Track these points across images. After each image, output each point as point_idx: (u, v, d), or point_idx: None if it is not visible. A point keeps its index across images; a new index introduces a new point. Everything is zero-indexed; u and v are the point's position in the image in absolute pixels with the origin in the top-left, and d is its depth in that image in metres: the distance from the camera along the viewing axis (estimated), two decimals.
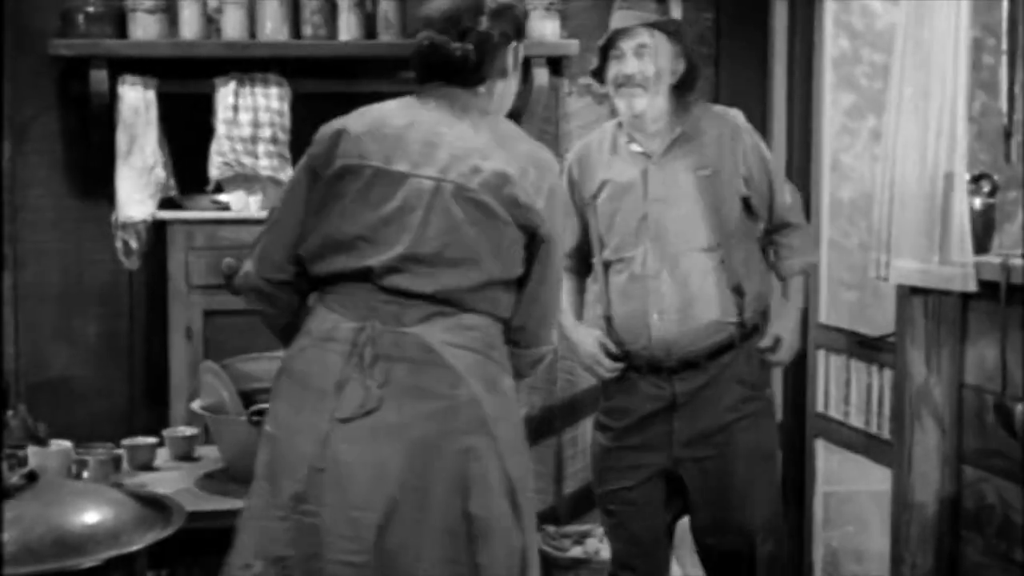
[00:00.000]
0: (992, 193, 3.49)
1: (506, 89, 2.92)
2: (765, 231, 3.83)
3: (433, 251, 2.71)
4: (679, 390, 3.66)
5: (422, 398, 2.68)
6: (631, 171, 3.69)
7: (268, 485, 2.72)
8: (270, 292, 2.86)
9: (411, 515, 2.64)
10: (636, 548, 3.78)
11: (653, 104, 3.65)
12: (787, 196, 3.83)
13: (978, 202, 3.47)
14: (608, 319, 3.72)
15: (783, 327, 3.79)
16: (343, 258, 2.75)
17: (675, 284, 3.63)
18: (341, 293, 2.77)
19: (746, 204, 3.73)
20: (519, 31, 2.92)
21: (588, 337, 3.74)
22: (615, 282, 3.70)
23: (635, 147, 3.72)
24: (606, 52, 3.70)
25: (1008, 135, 3.51)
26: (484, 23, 2.82)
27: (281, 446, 2.72)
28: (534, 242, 2.80)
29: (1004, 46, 3.48)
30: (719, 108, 3.87)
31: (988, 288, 3.35)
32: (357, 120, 2.82)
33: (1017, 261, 3.27)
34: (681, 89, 3.73)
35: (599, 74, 3.75)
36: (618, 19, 3.69)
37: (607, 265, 3.72)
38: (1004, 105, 3.49)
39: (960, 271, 3.38)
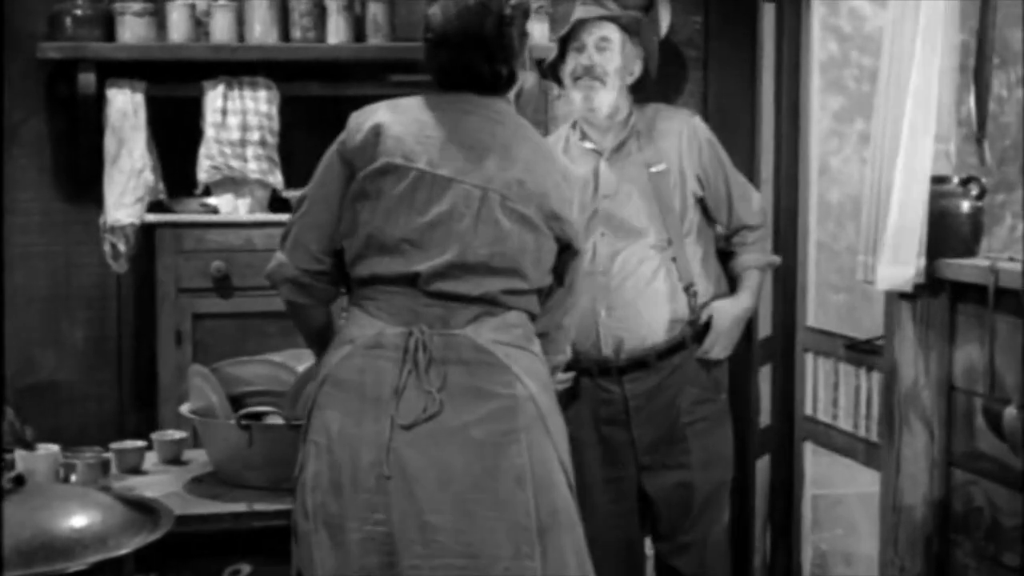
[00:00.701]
0: (980, 196, 3.50)
1: (526, 79, 2.94)
2: (724, 235, 3.83)
3: (480, 260, 2.73)
4: (630, 392, 3.65)
5: (480, 399, 2.70)
6: (582, 168, 3.69)
7: (333, 498, 2.71)
8: (307, 283, 2.85)
9: (483, 514, 2.66)
10: (609, 564, 3.67)
11: (609, 99, 3.67)
12: (751, 201, 3.82)
13: (966, 205, 3.47)
14: None
15: (720, 319, 3.71)
16: (387, 261, 2.74)
17: (623, 280, 3.62)
18: (381, 298, 2.76)
19: (702, 205, 3.74)
20: (528, 15, 2.92)
21: None
22: None
23: (587, 144, 3.73)
24: (565, 44, 3.71)
25: (979, 141, 3.51)
26: (507, 35, 2.80)
27: (343, 458, 2.71)
28: (566, 253, 2.84)
29: (973, 47, 3.49)
30: (673, 108, 3.90)
31: (976, 291, 3.36)
32: (394, 117, 2.79)
33: (1005, 264, 3.28)
34: (634, 91, 3.76)
35: (554, 69, 3.76)
36: (582, 10, 3.71)
37: None
38: (973, 111, 3.49)
39: (913, 270, 3.40)
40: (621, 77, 3.69)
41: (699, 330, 3.69)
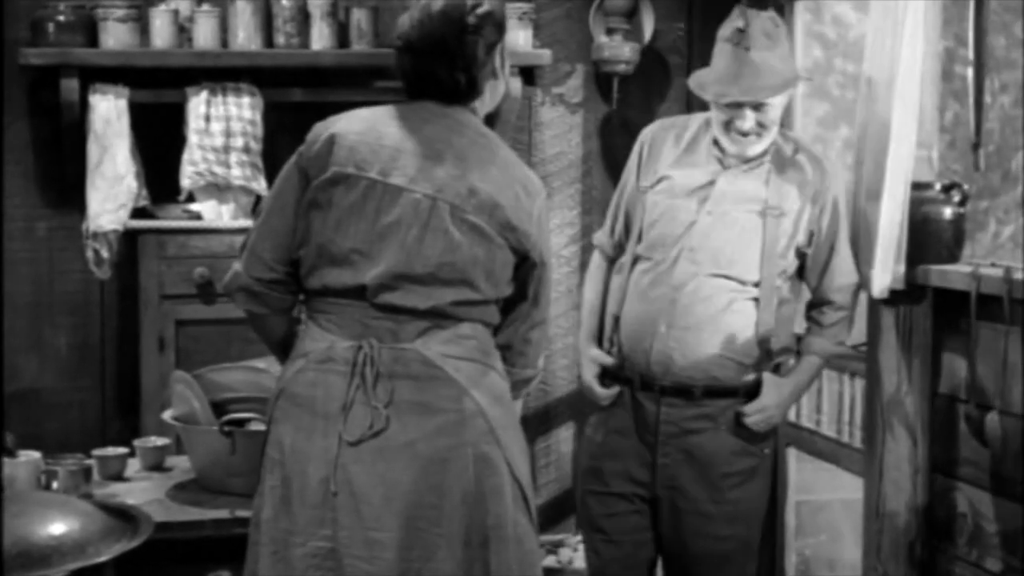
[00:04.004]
0: (963, 203, 3.50)
1: (496, 88, 2.88)
2: (808, 302, 3.51)
3: (427, 271, 2.70)
4: (664, 416, 3.37)
5: (428, 414, 2.69)
6: (699, 174, 3.38)
7: (282, 513, 2.71)
8: (260, 291, 2.83)
9: (428, 530, 2.66)
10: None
11: (764, 145, 3.35)
12: (846, 277, 3.46)
13: (948, 212, 3.47)
14: (616, 318, 3.44)
15: (770, 398, 3.39)
16: (336, 272, 2.73)
17: (693, 303, 3.32)
18: (333, 311, 2.75)
19: (802, 261, 3.43)
20: (502, 29, 2.84)
21: (589, 364, 3.48)
22: (637, 281, 3.41)
23: (716, 151, 3.39)
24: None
25: (976, 146, 3.52)
26: (469, 43, 2.76)
27: (293, 473, 2.70)
28: (525, 265, 2.80)
29: (971, 56, 3.49)
30: (818, 149, 3.55)
31: (959, 297, 3.36)
32: (351, 126, 2.77)
33: (987, 270, 3.28)
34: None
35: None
36: (731, 68, 3.30)
37: (635, 260, 3.43)
38: (972, 116, 3.49)
39: (892, 275, 3.41)
40: (776, 124, 3.35)
41: (754, 385, 3.39)
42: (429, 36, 2.76)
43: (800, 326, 3.52)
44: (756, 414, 3.37)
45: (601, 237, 3.61)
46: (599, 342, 3.51)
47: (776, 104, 3.32)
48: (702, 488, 3.38)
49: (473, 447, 2.68)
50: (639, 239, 3.43)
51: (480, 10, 2.76)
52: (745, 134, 3.31)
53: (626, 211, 3.50)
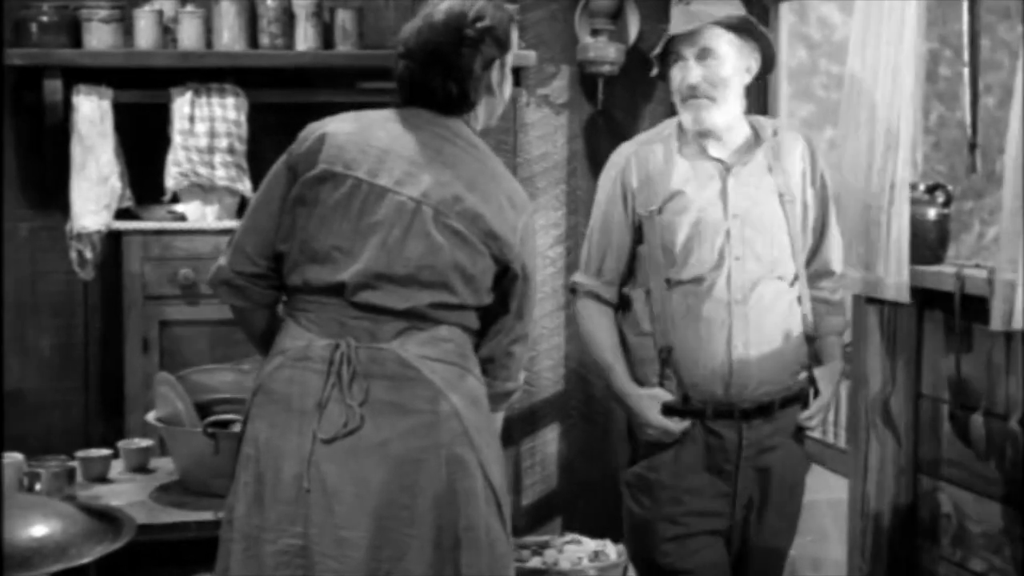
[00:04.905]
0: (947, 204, 3.51)
1: (492, 104, 2.88)
2: (808, 275, 3.33)
3: (407, 272, 2.71)
4: (747, 440, 3.18)
5: (402, 414, 2.68)
6: (706, 181, 3.22)
7: (255, 509, 2.70)
8: (242, 285, 2.83)
9: (399, 530, 2.65)
10: None
11: (723, 115, 3.21)
12: (839, 243, 3.38)
13: (933, 213, 3.48)
14: (668, 350, 3.19)
15: (827, 394, 3.30)
16: (316, 268, 2.74)
17: (763, 313, 3.16)
18: (312, 308, 2.76)
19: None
20: (503, 46, 2.82)
21: (649, 402, 3.21)
22: (683, 306, 3.18)
23: (712, 151, 3.24)
24: (665, 58, 3.26)
25: (973, 147, 3.52)
26: (465, 55, 2.76)
27: (266, 469, 2.70)
28: (507, 276, 2.80)
29: (966, 57, 3.49)
30: (786, 123, 3.41)
31: (943, 298, 3.37)
32: (343, 127, 2.79)
33: (971, 271, 3.29)
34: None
35: (664, 77, 3.30)
36: (675, 20, 3.21)
37: (670, 285, 3.20)
38: (967, 117, 3.50)
39: (895, 280, 3.40)
40: (735, 85, 3.21)
41: (808, 385, 3.28)
42: (426, 44, 2.78)
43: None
44: (818, 414, 3.29)
45: (585, 281, 3.36)
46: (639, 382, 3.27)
47: (722, 56, 3.18)
48: (779, 504, 3.28)
49: (447, 449, 2.68)
50: (669, 264, 3.20)
51: (481, 24, 2.78)
52: (694, 89, 3.17)
53: (617, 245, 3.29)
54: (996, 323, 3.02)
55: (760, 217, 3.19)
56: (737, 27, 3.20)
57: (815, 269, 3.32)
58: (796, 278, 3.22)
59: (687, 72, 3.19)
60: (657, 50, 3.25)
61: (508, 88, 2.90)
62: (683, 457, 3.22)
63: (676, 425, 3.19)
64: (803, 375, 3.26)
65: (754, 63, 3.25)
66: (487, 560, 2.71)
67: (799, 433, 3.30)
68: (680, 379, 3.19)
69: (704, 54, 3.18)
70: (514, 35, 2.88)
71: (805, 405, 3.28)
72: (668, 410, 3.20)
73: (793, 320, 3.21)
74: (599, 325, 3.32)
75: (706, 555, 3.25)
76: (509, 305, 2.83)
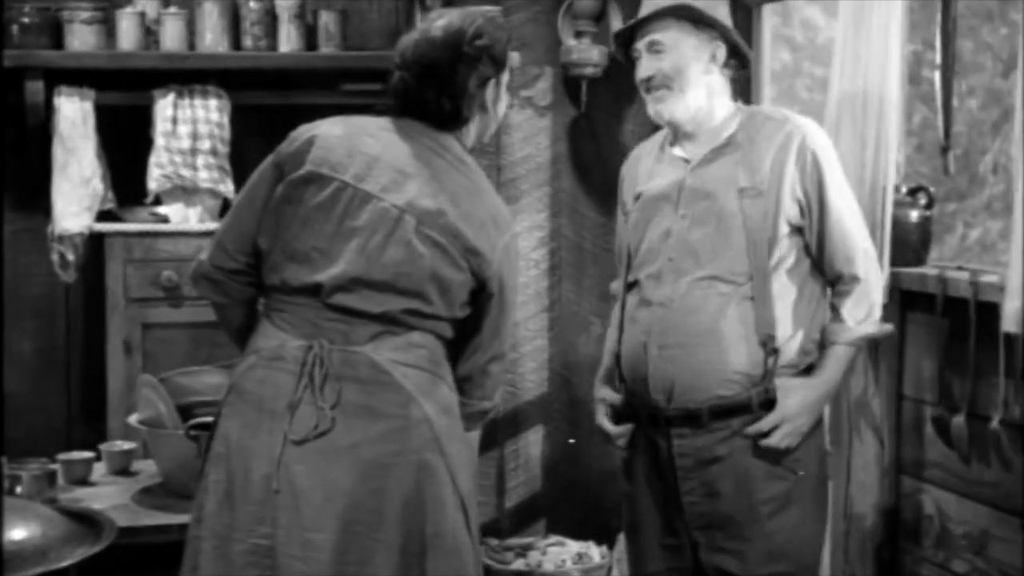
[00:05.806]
0: (929, 206, 3.52)
1: (485, 121, 2.89)
2: (827, 282, 3.18)
3: (384, 278, 2.71)
4: (676, 449, 3.08)
5: (373, 418, 2.69)
6: (667, 181, 3.19)
7: (225, 508, 2.71)
8: (220, 280, 2.85)
9: (366, 535, 2.66)
10: None
11: (684, 104, 3.16)
12: (847, 237, 3.12)
13: (915, 215, 3.49)
14: (617, 355, 3.23)
15: (788, 407, 3.05)
16: (294, 268, 2.74)
17: (684, 315, 3.05)
18: (287, 309, 2.76)
19: (803, 236, 3.13)
20: (500, 65, 2.85)
21: (599, 404, 3.30)
22: (628, 307, 3.20)
23: (677, 151, 3.22)
24: (628, 53, 3.26)
25: (945, 149, 3.53)
26: (461, 72, 2.78)
27: (236, 468, 2.71)
28: (484, 292, 2.81)
29: (938, 60, 3.50)
30: (782, 113, 3.24)
31: (925, 300, 3.37)
32: (333, 131, 2.81)
33: (953, 273, 3.30)
34: (737, 73, 3.26)
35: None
36: (627, 17, 3.23)
37: (628, 288, 3.23)
38: (940, 119, 3.51)
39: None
40: (695, 75, 3.15)
41: (770, 398, 3.06)
42: (423, 58, 2.80)
43: (816, 315, 3.18)
44: (774, 429, 3.05)
45: (614, 285, 3.40)
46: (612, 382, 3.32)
47: (670, 46, 3.15)
48: (734, 525, 3.07)
49: (417, 454, 2.68)
50: (628, 267, 3.24)
51: (479, 42, 2.79)
52: (647, 82, 3.17)
53: (626, 246, 3.30)
54: (1008, 324, 2.98)
55: (707, 214, 3.10)
56: (686, 16, 3.16)
57: (827, 273, 3.16)
58: (749, 278, 3.05)
59: (640, 65, 3.22)
60: (612, 49, 3.28)
61: (503, 107, 2.92)
62: (634, 463, 3.26)
63: (615, 429, 3.25)
64: (761, 386, 3.06)
65: (720, 52, 3.20)
66: (454, 566, 2.71)
67: (767, 449, 3.06)
68: (625, 383, 3.23)
69: (653, 46, 3.18)
70: (513, 55, 2.90)
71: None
72: (621, 415, 3.25)
73: (734, 328, 3.04)
74: (613, 325, 3.35)
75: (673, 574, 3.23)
76: (483, 323, 2.84)
